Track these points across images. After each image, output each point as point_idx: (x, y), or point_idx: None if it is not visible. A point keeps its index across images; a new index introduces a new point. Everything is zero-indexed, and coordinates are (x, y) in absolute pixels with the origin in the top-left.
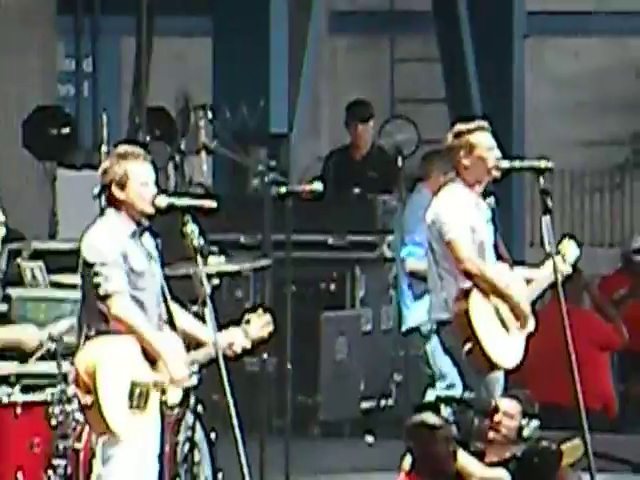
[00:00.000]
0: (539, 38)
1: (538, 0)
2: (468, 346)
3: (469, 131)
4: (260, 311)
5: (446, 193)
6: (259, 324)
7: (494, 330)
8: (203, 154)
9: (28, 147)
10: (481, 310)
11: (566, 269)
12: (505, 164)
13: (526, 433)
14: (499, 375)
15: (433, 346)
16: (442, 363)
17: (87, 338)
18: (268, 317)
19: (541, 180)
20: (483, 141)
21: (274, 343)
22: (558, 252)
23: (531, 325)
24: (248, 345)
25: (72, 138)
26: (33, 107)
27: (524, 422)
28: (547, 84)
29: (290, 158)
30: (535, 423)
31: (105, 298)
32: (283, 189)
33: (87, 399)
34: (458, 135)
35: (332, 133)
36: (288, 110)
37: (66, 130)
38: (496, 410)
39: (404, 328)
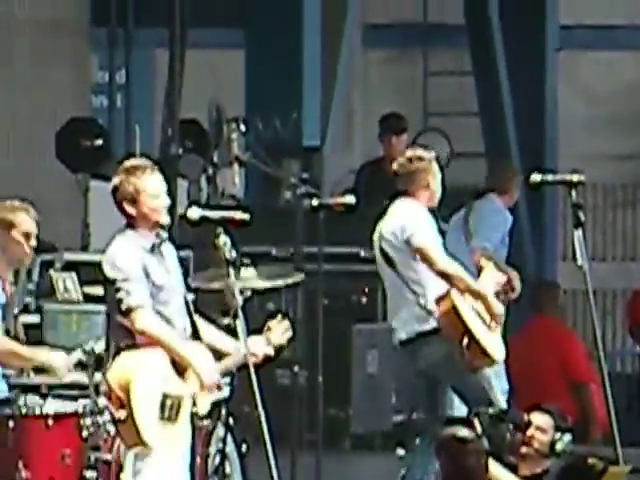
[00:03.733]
0: (572, 52)
1: (572, 14)
2: (466, 340)
3: (433, 159)
4: (279, 317)
5: (405, 207)
6: (279, 330)
7: (480, 326)
8: (235, 166)
9: (61, 159)
10: (465, 307)
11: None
12: (538, 177)
13: (559, 447)
14: (483, 375)
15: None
16: None
17: (116, 353)
18: (287, 323)
19: (573, 194)
20: (439, 173)
21: (306, 356)
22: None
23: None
24: (271, 352)
25: (105, 150)
26: (66, 119)
27: (557, 436)
28: (580, 98)
29: (322, 170)
30: (568, 437)
31: (128, 313)
32: (315, 201)
33: (121, 414)
34: (420, 159)
35: (365, 146)
36: (321, 123)
37: (99, 142)
38: (529, 424)
39: None
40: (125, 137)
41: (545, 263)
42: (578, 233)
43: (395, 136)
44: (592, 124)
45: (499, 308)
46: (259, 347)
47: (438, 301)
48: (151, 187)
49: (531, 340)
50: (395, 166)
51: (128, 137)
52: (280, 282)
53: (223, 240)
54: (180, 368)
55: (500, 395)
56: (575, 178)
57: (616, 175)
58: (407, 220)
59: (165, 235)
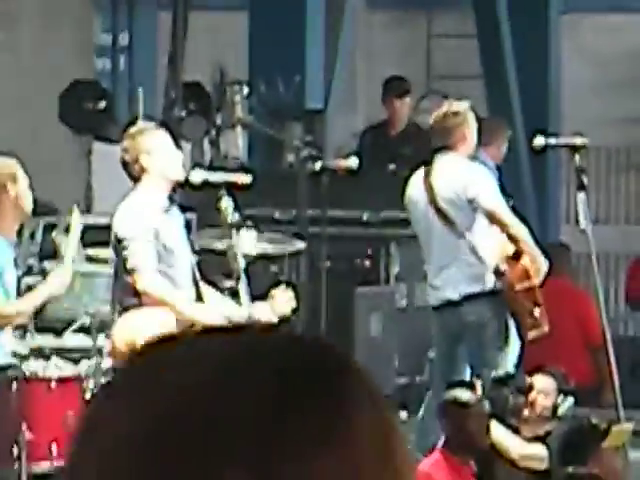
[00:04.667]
0: (576, 15)
1: None
2: (537, 311)
3: (465, 110)
4: (283, 286)
5: (462, 164)
6: (283, 299)
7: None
8: (238, 129)
9: (64, 121)
10: (535, 272)
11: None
12: (541, 141)
13: (561, 410)
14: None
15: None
16: None
17: (121, 312)
18: (291, 293)
19: (577, 157)
20: (475, 122)
21: (308, 318)
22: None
23: None
24: (275, 320)
25: (108, 112)
26: (69, 81)
27: (559, 399)
28: (584, 61)
29: (325, 133)
30: (570, 401)
31: (132, 272)
32: (318, 164)
33: None
34: (457, 114)
35: (368, 109)
36: (324, 85)
37: (102, 104)
38: (531, 387)
39: None
40: (128, 99)
41: (548, 226)
42: (581, 196)
43: (398, 99)
44: (596, 87)
45: (543, 270)
46: (264, 313)
47: (509, 260)
48: (165, 143)
49: (546, 303)
50: (431, 122)
51: (131, 99)
52: (280, 248)
53: (225, 203)
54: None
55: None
56: (578, 141)
57: (620, 138)
58: (469, 178)
59: (176, 197)
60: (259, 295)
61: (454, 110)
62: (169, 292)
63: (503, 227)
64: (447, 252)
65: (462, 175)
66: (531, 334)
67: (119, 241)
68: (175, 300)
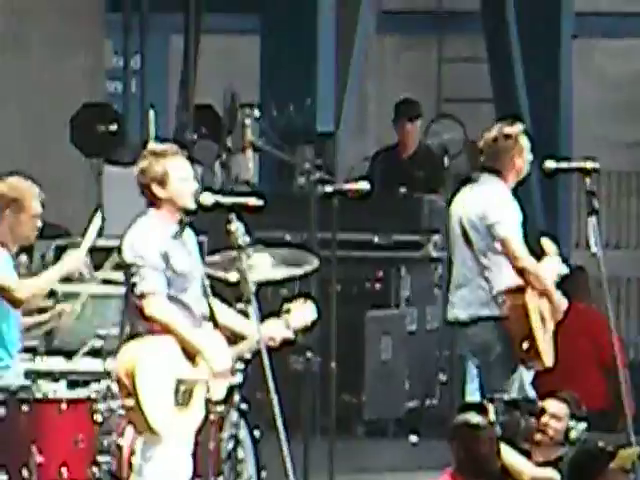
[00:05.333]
0: (587, 39)
1: (586, 1)
2: (526, 344)
3: (519, 133)
4: (301, 300)
5: (491, 189)
6: (300, 313)
7: (542, 330)
8: (249, 152)
9: (76, 144)
10: (534, 309)
11: (562, 268)
12: (552, 165)
13: (573, 435)
14: (518, 375)
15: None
16: None
17: (130, 337)
18: (310, 305)
19: (587, 181)
20: (527, 144)
21: (319, 342)
22: (542, 252)
23: (560, 313)
24: (290, 335)
25: (119, 135)
26: (81, 104)
27: (572, 424)
28: (595, 85)
29: (336, 157)
30: (583, 426)
31: (141, 298)
32: (329, 188)
33: (128, 401)
34: (508, 137)
35: (379, 132)
36: (335, 109)
37: (114, 127)
38: (543, 411)
39: None
40: (140, 122)
41: (559, 250)
42: (592, 220)
43: (409, 122)
44: (607, 111)
45: (562, 307)
46: (277, 330)
47: (510, 292)
48: (181, 170)
49: (563, 326)
50: (481, 143)
51: (143, 122)
52: (295, 271)
53: (235, 226)
54: (190, 355)
55: (528, 385)
56: (589, 165)
57: (631, 162)
58: (492, 205)
59: (187, 219)
60: (273, 312)
61: (505, 133)
62: (175, 319)
63: (514, 259)
64: (464, 272)
65: (487, 200)
66: (529, 366)
67: (128, 266)
68: (181, 328)
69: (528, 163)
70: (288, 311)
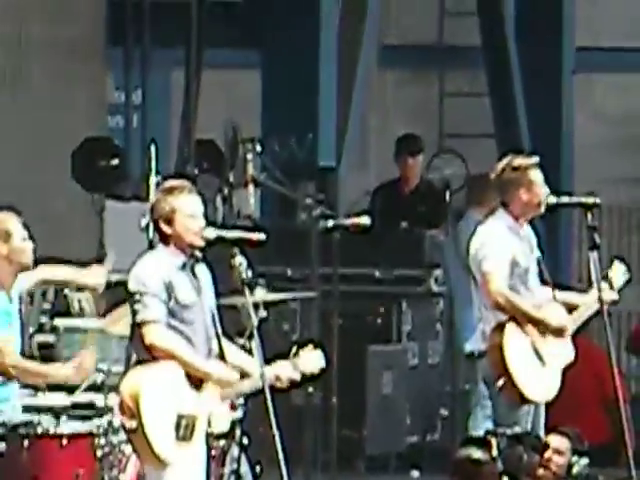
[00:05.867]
0: (588, 74)
1: (588, 36)
2: (501, 382)
3: (528, 167)
4: (310, 347)
5: (489, 225)
6: (309, 358)
7: (528, 363)
8: (251, 187)
9: (77, 178)
10: (515, 343)
11: (613, 296)
12: (553, 200)
13: (575, 470)
14: (529, 408)
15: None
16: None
17: (134, 366)
18: (319, 353)
19: (589, 216)
20: (539, 178)
21: (320, 377)
22: (606, 277)
23: (570, 354)
24: (297, 378)
25: (121, 169)
26: (82, 139)
27: (574, 459)
28: (596, 120)
29: (338, 191)
30: (585, 461)
31: (141, 326)
32: (330, 222)
33: (132, 423)
34: (516, 169)
35: (380, 167)
36: (336, 144)
37: (115, 161)
38: (546, 446)
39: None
40: (141, 157)
41: (560, 285)
42: (593, 256)
43: (411, 157)
44: (608, 147)
45: (563, 325)
46: (285, 371)
47: (495, 329)
48: (187, 207)
49: None
50: (492, 175)
51: (144, 157)
52: (293, 295)
53: (239, 260)
54: (196, 382)
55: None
56: (590, 200)
57: (632, 198)
58: (483, 242)
59: (199, 255)
60: (280, 354)
61: (513, 165)
62: (177, 345)
63: (487, 295)
64: (481, 307)
65: (481, 234)
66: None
67: (131, 295)
68: (183, 353)
69: (543, 197)
70: (296, 354)
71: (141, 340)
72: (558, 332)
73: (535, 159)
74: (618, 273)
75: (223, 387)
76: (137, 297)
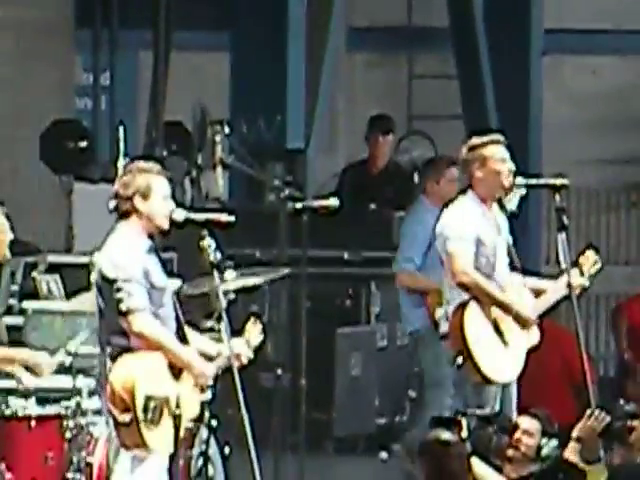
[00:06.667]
0: (557, 56)
1: (556, 18)
2: (460, 360)
3: (483, 144)
4: (253, 319)
5: (454, 206)
6: (255, 332)
7: (490, 344)
8: (219, 169)
9: (45, 160)
10: (477, 323)
11: (583, 282)
12: (522, 181)
13: (545, 452)
14: (496, 390)
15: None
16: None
17: (113, 355)
18: (259, 324)
19: (557, 197)
20: (496, 153)
21: (289, 359)
22: (577, 264)
23: (535, 337)
24: (251, 355)
25: (89, 152)
26: (50, 120)
27: (544, 441)
28: (564, 102)
29: (306, 173)
30: (554, 442)
31: (126, 314)
32: (299, 204)
33: (125, 417)
34: (472, 148)
35: (349, 149)
36: (305, 125)
37: (83, 144)
38: (516, 427)
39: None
40: (109, 139)
41: (529, 267)
42: (562, 237)
43: (382, 136)
44: (576, 128)
45: (526, 315)
46: (243, 349)
47: (456, 309)
48: (163, 189)
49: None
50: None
51: (112, 139)
52: (266, 276)
53: (208, 242)
54: (175, 370)
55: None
56: (559, 182)
57: (600, 179)
58: (448, 221)
59: (153, 238)
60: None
61: (469, 145)
62: (164, 334)
63: (453, 275)
64: (442, 289)
65: (445, 216)
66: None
67: (110, 282)
68: (170, 343)
69: (504, 172)
70: (247, 332)
71: (121, 327)
72: (523, 322)
73: (493, 136)
74: (590, 261)
75: (199, 382)
76: (119, 285)
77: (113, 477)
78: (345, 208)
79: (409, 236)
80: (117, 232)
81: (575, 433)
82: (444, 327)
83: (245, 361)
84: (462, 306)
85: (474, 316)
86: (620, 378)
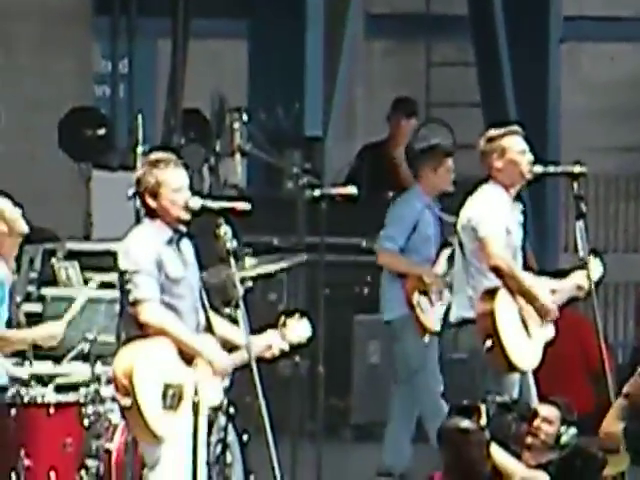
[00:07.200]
0: (575, 43)
1: (574, 5)
2: (489, 343)
3: (501, 135)
4: (297, 316)
5: (481, 193)
6: (297, 328)
7: (516, 332)
8: (238, 156)
9: (64, 148)
10: (506, 311)
11: (588, 285)
12: (539, 169)
13: (564, 440)
14: (515, 378)
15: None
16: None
17: (125, 343)
18: (306, 322)
19: (575, 185)
20: (515, 144)
21: (307, 346)
22: (586, 265)
23: (550, 332)
24: (286, 348)
25: (107, 139)
26: (69, 108)
27: (562, 429)
28: (583, 89)
29: (324, 161)
30: (573, 430)
31: (134, 304)
32: (317, 192)
33: (126, 401)
34: (491, 140)
35: (366, 137)
36: (323, 113)
37: (102, 131)
38: (535, 415)
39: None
40: (128, 127)
41: (547, 254)
42: (580, 225)
43: (405, 118)
44: (594, 116)
45: (551, 308)
46: (275, 342)
47: (485, 295)
48: (173, 181)
49: None
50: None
51: (131, 127)
52: (284, 263)
53: (224, 230)
54: (188, 358)
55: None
56: (577, 169)
57: (618, 167)
58: (478, 207)
59: (184, 229)
60: (269, 324)
61: (487, 136)
62: (171, 323)
63: (487, 258)
64: (458, 277)
65: (474, 203)
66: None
67: (122, 273)
68: (177, 330)
69: (523, 164)
70: (284, 324)
71: (135, 318)
72: (545, 313)
73: (512, 128)
74: (593, 267)
75: (215, 370)
76: (129, 276)
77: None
78: (363, 195)
79: (396, 217)
80: (140, 225)
81: (625, 389)
82: (464, 313)
83: (277, 352)
84: (491, 292)
85: (504, 303)
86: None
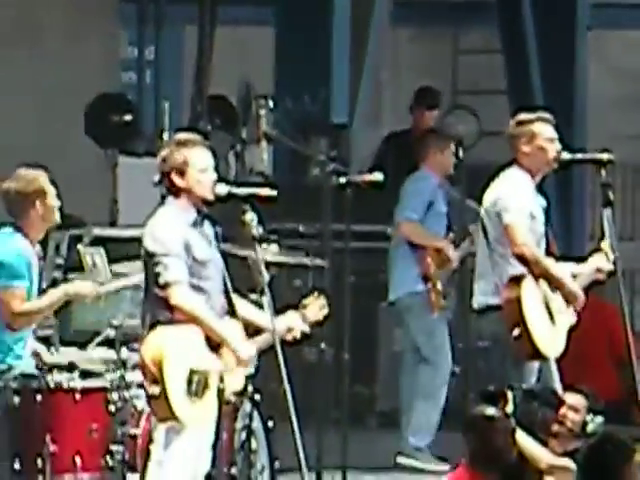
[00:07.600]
0: (602, 30)
1: None
2: (517, 331)
3: (531, 121)
4: (315, 294)
5: (506, 178)
6: (316, 307)
7: (542, 319)
8: (264, 143)
9: (90, 134)
10: (532, 298)
11: (608, 267)
12: (567, 156)
13: (590, 428)
14: (535, 365)
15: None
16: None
17: (151, 327)
18: (323, 300)
19: (603, 173)
20: (544, 131)
21: (332, 333)
22: (600, 250)
23: (573, 318)
24: (307, 329)
25: (134, 125)
26: (96, 94)
27: (589, 418)
28: (610, 76)
29: (351, 148)
30: (600, 419)
31: (165, 287)
32: (343, 179)
33: (154, 389)
34: (520, 124)
35: (393, 124)
36: (349, 100)
37: (128, 117)
38: (562, 403)
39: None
40: (154, 113)
41: (574, 242)
42: (607, 212)
43: (428, 110)
44: (621, 103)
45: (579, 294)
46: (296, 324)
47: (511, 282)
48: (200, 161)
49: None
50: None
51: (157, 113)
52: (303, 260)
53: (250, 217)
54: (214, 344)
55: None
56: (605, 157)
57: None
58: (503, 192)
59: (205, 211)
60: (290, 305)
61: (517, 120)
62: (201, 308)
63: (512, 245)
64: (482, 262)
65: (499, 189)
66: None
67: (150, 256)
68: (206, 316)
69: (551, 151)
70: (304, 306)
71: (164, 301)
72: (572, 299)
73: (542, 113)
74: (608, 249)
75: (240, 357)
76: (158, 258)
77: (152, 447)
78: (389, 183)
79: (413, 192)
80: (165, 206)
81: None
82: (489, 299)
83: (298, 335)
84: (517, 279)
85: (530, 290)
86: None
